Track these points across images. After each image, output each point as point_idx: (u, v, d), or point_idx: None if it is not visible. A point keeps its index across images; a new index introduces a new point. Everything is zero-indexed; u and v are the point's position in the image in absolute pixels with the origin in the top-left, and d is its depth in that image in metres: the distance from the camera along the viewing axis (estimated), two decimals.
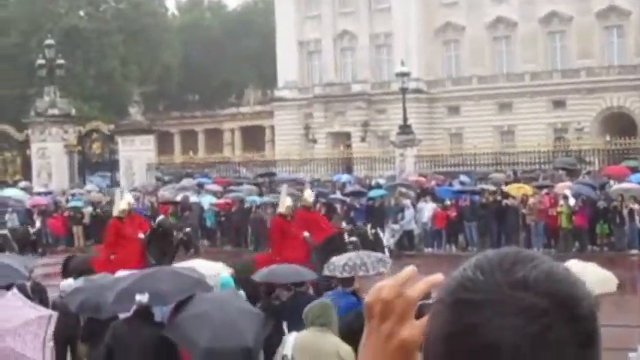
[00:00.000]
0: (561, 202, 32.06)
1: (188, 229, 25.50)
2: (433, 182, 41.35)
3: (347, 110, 72.42)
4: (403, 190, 37.04)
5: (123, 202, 21.76)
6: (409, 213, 34.29)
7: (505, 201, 34.09)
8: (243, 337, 8.99)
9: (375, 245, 19.04)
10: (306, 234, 19.77)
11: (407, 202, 35.10)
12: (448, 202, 35.10)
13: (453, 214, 34.51)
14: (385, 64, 73.17)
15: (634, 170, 40.22)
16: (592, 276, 13.00)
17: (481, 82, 70.25)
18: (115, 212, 21.62)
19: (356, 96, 72.67)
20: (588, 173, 40.92)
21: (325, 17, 75.41)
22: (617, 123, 63.02)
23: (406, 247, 33.73)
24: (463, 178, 42.34)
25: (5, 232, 23.42)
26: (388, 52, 73.32)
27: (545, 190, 34.38)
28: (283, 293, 13.45)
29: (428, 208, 34.79)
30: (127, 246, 20.16)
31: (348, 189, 39.62)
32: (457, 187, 38.76)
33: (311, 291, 14.38)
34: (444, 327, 1.46)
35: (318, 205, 36.98)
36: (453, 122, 70.87)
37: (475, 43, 71.01)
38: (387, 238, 33.22)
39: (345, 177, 45.86)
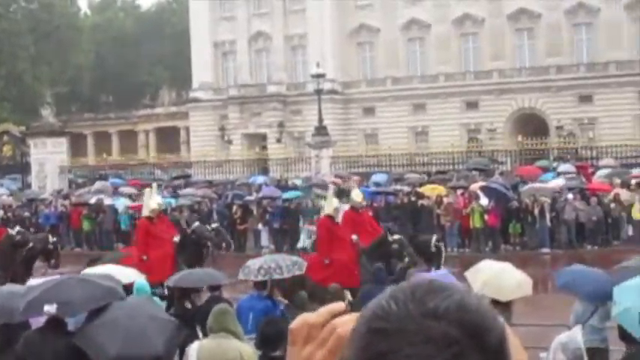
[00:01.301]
0: (473, 201, 32.45)
1: (216, 225, 24.04)
2: (349, 183, 41.48)
3: (262, 111, 72.26)
4: (319, 191, 37.05)
5: (152, 201, 20.67)
6: None
7: (420, 201, 34.39)
8: (153, 345, 8.87)
9: (434, 257, 17.98)
10: (354, 237, 18.99)
11: (322, 202, 35.09)
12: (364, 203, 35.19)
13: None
14: (300, 66, 73.23)
15: (545, 170, 40.97)
16: (509, 281, 13.13)
17: (395, 84, 70.73)
18: (145, 212, 20.54)
19: (271, 97, 72.54)
20: (501, 174, 41.46)
21: (240, 18, 75.16)
22: (528, 124, 64.10)
23: None
24: (377, 178, 42.56)
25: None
26: (303, 53, 73.38)
27: (460, 191, 34.77)
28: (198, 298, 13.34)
29: (344, 209, 34.80)
30: (161, 247, 19.36)
31: (264, 190, 39.53)
32: (372, 188, 38.95)
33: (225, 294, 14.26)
34: (357, 355, 1.48)
35: (235, 207, 36.98)
36: (368, 123, 71.23)
37: (389, 45, 71.50)
38: (304, 239, 33.25)
39: (260, 178, 45.72)
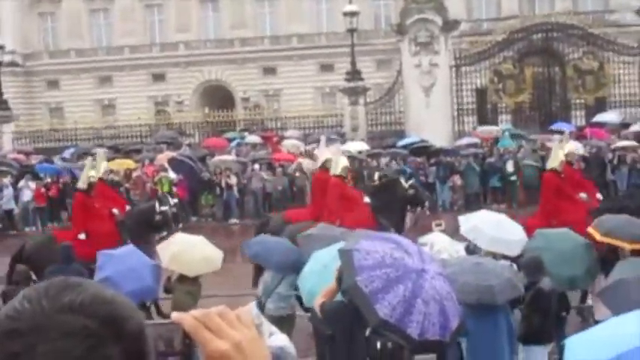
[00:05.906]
0: (161, 173, 32.33)
1: (411, 182, 19.38)
2: (34, 160, 40.26)
3: None
4: (1, 168, 35.79)
5: (342, 158, 17.61)
6: (8, 192, 33.20)
7: (110, 176, 33.91)
8: None
9: None
10: (583, 195, 16.80)
11: (5, 180, 33.95)
12: (49, 180, 34.29)
13: (54, 191, 33.79)
14: None
15: (232, 141, 41.76)
16: (197, 256, 13.27)
17: (80, 56, 69.07)
18: (336, 170, 17.16)
19: None
20: (189, 145, 41.72)
21: None
22: (215, 96, 64.86)
23: (7, 226, 32.74)
24: (66, 154, 41.62)
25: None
26: None
27: (147, 164, 34.71)
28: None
29: (29, 186, 33.81)
30: (356, 209, 16.65)
31: None
32: (59, 163, 38.01)
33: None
34: None
35: None
36: (53, 97, 69.19)
37: (72, 16, 69.64)
38: None
39: None
